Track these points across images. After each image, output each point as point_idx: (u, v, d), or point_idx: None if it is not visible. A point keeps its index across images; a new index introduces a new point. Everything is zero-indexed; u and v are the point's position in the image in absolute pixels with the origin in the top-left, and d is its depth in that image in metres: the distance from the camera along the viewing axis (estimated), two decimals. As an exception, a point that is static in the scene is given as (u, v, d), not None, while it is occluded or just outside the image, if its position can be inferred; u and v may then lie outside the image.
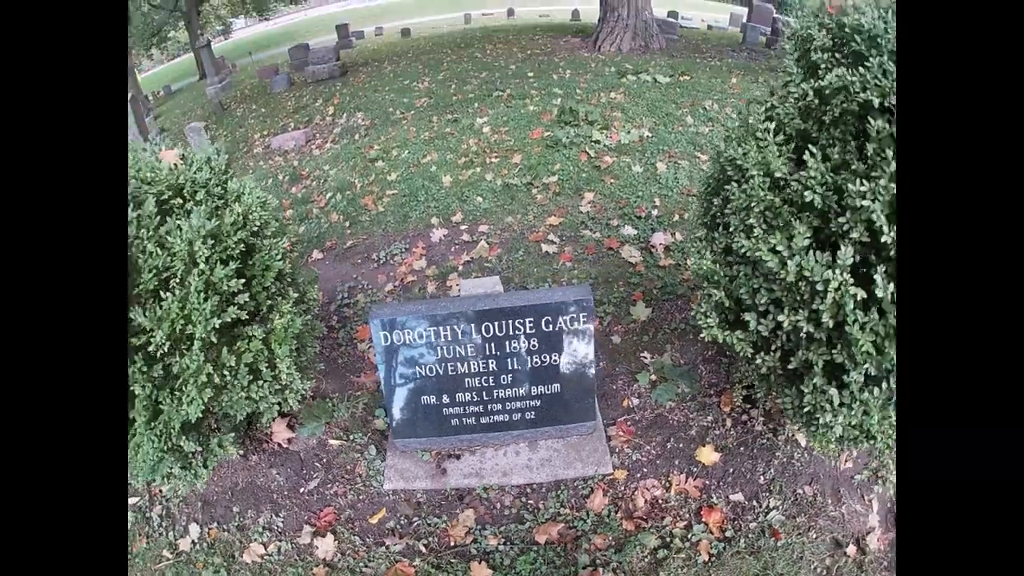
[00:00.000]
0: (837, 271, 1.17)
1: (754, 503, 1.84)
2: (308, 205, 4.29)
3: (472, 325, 1.83)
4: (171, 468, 1.53)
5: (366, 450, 2.11)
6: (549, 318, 1.81)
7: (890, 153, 1.20)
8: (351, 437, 2.15)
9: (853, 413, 1.24)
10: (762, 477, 1.89)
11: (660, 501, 1.84)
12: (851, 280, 1.18)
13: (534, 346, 1.85)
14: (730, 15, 18.26)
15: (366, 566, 1.77)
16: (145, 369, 1.35)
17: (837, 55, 1.49)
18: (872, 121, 1.24)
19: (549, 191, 3.67)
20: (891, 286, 1.16)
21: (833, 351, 1.27)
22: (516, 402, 1.93)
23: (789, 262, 1.20)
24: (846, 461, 1.94)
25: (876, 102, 1.26)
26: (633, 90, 5.64)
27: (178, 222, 1.43)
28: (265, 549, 1.89)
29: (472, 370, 1.89)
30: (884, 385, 1.23)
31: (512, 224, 3.41)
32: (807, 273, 1.20)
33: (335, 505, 1.95)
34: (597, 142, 4.18)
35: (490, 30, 13.52)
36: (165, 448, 1.42)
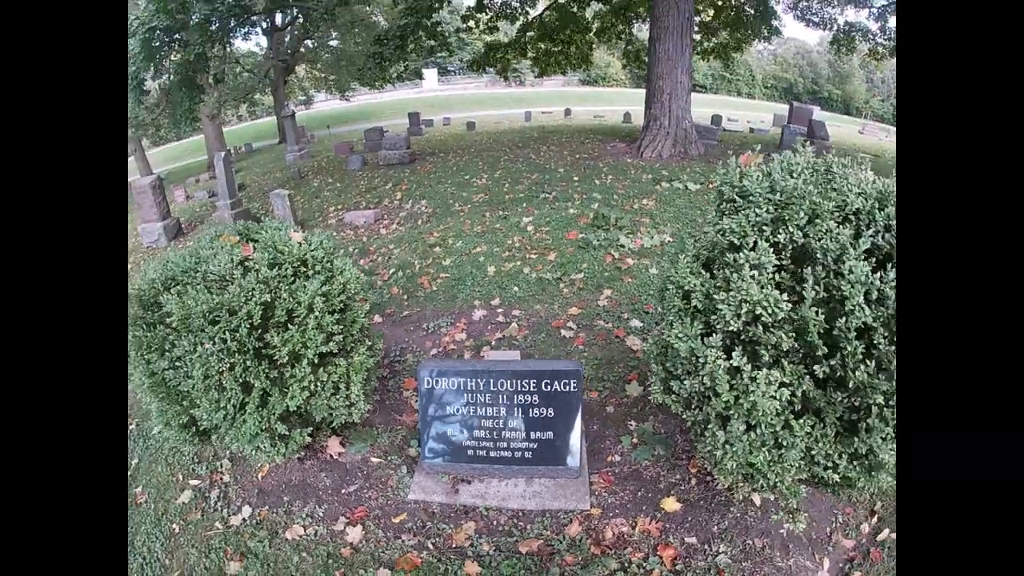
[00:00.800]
0: (711, 350, 1.70)
1: (706, 547, 2.24)
2: (373, 277, 5.12)
3: (491, 380, 2.45)
4: (262, 443, 2.18)
5: (399, 469, 2.69)
6: (547, 381, 2.42)
7: (738, 276, 1.72)
8: (388, 458, 2.76)
9: (736, 451, 1.73)
10: (716, 527, 2.31)
11: (625, 535, 2.30)
12: (723, 355, 1.71)
13: (534, 401, 2.44)
14: (773, 116, 19.39)
15: (383, 552, 2.30)
16: (267, 371, 2.05)
17: (735, 204, 2.08)
18: (737, 254, 1.79)
19: (574, 286, 4.36)
20: (744, 358, 1.63)
21: (718, 405, 1.78)
22: (518, 443, 2.49)
23: (683, 344, 1.77)
24: (800, 522, 2.35)
25: (750, 241, 1.81)
26: (664, 197, 6.42)
27: (304, 283, 2.19)
28: (304, 531, 2.46)
29: (487, 414, 2.49)
30: (757, 432, 1.69)
31: (540, 311, 4.09)
32: (697, 352, 1.75)
33: (367, 505, 2.52)
34: (623, 246, 4.89)
35: (546, 130, 14.96)
36: (263, 428, 2.08)
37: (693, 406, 1.93)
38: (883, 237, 1.58)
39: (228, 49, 15.65)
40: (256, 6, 12.21)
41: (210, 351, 2.00)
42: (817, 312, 1.52)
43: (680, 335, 1.76)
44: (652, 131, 9.55)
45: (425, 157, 11.68)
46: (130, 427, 3.77)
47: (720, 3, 13.79)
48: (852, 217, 1.52)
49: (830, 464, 1.58)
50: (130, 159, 28.14)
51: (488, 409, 2.48)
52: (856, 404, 1.51)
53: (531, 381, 2.42)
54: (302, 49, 23.40)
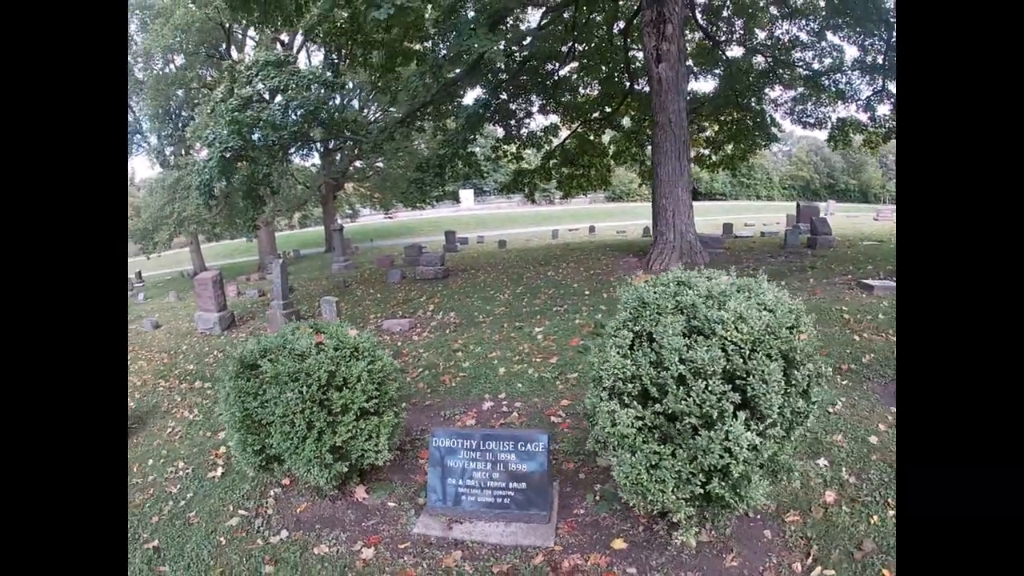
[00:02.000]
0: (599, 400, 2.49)
1: (647, 574, 2.92)
2: (404, 374, 6.12)
3: (481, 442, 3.31)
4: (313, 467, 3.05)
5: (408, 512, 3.48)
6: (522, 443, 3.26)
7: (607, 352, 2.60)
8: (402, 503, 3.56)
9: (627, 473, 2.44)
10: (654, 561, 2.94)
11: (579, 566, 2.97)
12: (606, 401, 2.50)
13: (512, 458, 3.27)
14: (786, 216, 20.57)
15: (388, 567, 3.05)
16: (325, 417, 2.98)
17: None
18: (609, 339, 2.63)
19: (568, 383, 5.24)
20: (614, 402, 2.39)
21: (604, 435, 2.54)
22: (500, 492, 3.27)
23: (589, 401, 2.60)
24: (733, 562, 2.96)
25: (620, 331, 2.65)
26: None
27: (356, 362, 3.20)
28: (328, 549, 3.25)
29: (478, 468, 3.31)
30: (637, 456, 2.42)
31: (537, 403, 4.97)
32: (595, 405, 2.56)
33: (380, 535, 3.30)
34: (614, 350, 5.79)
35: (570, 247, 16.41)
36: (316, 456, 2.97)
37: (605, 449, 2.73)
38: (703, 320, 2.37)
39: (286, 165, 18.14)
40: (315, 134, 14.50)
41: (289, 399, 2.98)
42: (647, 366, 2.32)
43: (591, 396, 2.63)
44: (659, 246, 10.73)
45: (458, 273, 13.10)
46: (186, 469, 4.72)
47: (722, 118, 15.58)
48: (684, 311, 2.35)
49: (697, 482, 2.31)
50: (186, 250, 31.09)
51: (478, 464, 3.31)
52: (696, 431, 2.23)
53: (510, 443, 3.27)
54: (351, 169, 26.37)
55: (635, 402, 2.34)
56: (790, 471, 2.39)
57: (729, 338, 2.13)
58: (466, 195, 51.76)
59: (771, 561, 2.91)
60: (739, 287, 2.47)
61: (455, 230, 23.83)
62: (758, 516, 3.24)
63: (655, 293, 2.46)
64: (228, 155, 10.38)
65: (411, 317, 9.07)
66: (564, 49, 15.09)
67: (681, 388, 2.18)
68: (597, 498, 3.47)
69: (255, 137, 11.06)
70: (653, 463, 2.32)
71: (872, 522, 3.08)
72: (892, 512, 3.13)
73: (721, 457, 2.14)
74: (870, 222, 25.79)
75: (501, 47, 9.48)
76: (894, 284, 7.84)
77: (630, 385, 2.34)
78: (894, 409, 4.24)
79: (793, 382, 2.19)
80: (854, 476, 3.51)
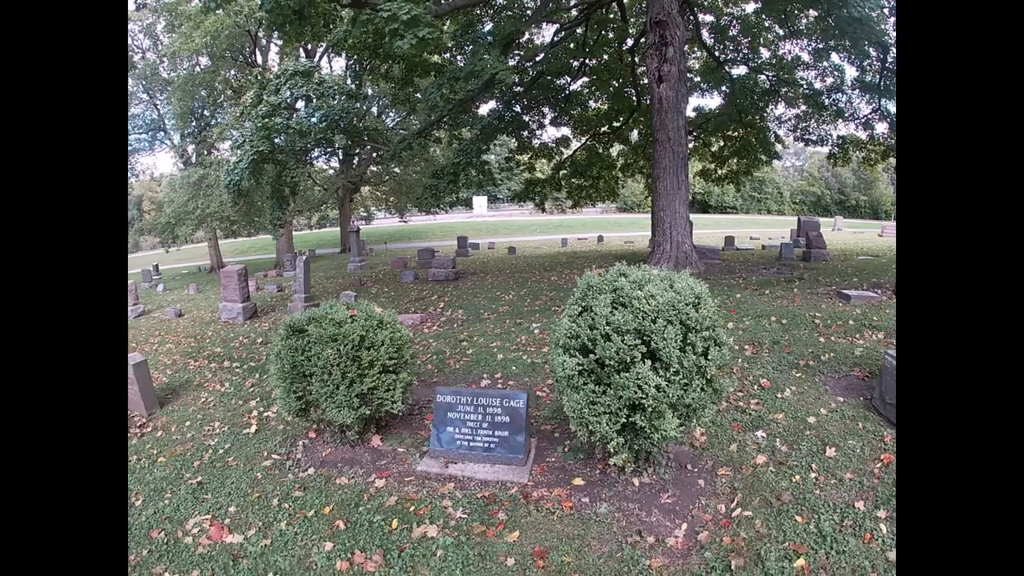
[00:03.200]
0: (556, 356, 3.39)
1: (593, 503, 3.75)
2: (415, 358, 7.09)
3: (474, 398, 4.23)
4: (343, 409, 4.01)
5: (414, 455, 4.41)
6: (506, 400, 4.18)
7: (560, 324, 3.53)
8: (409, 450, 4.49)
9: (572, 408, 3.33)
10: (604, 494, 3.81)
11: (544, 495, 3.84)
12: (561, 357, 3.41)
13: (498, 412, 4.18)
14: (790, 231, 21.37)
15: (395, 491, 3.97)
16: (356, 370, 3.94)
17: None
18: (577, 319, 3.56)
19: (555, 366, 6.17)
20: (564, 355, 3.34)
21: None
22: (487, 438, 4.19)
23: (557, 361, 3.49)
24: (668, 499, 3.80)
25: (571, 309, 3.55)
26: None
27: (380, 330, 4.15)
28: (348, 480, 4.17)
29: (470, 420, 4.23)
30: (580, 395, 3.32)
31: (527, 382, 5.87)
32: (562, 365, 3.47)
33: (391, 471, 4.23)
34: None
35: (577, 255, 17.30)
36: (347, 401, 3.93)
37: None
38: (626, 296, 3.20)
39: (308, 168, 19.29)
40: (337, 141, 15.58)
41: (329, 355, 3.95)
42: (585, 327, 3.18)
43: (551, 352, 3.53)
44: (656, 255, 11.56)
45: (467, 276, 14.06)
46: (222, 428, 5.66)
47: (727, 133, 16.41)
48: (615, 291, 3.24)
49: (622, 415, 3.18)
50: (202, 246, 32.46)
51: (471, 417, 4.23)
52: (617, 372, 3.09)
53: (497, 400, 4.19)
54: (368, 173, 27.55)
55: (577, 353, 3.25)
56: (697, 411, 3.27)
57: (641, 308, 3.02)
58: (479, 202, 53.00)
59: (700, 502, 3.75)
60: (663, 278, 3.36)
61: (467, 235, 24.88)
62: (695, 469, 4.09)
63: (598, 280, 3.38)
64: (257, 158, 11.44)
65: (422, 313, 10.03)
66: (575, 64, 16.07)
67: (606, 342, 3.08)
68: (565, 449, 4.37)
69: (282, 142, 12.11)
70: (591, 400, 3.22)
71: (794, 480, 3.85)
72: (814, 474, 3.90)
73: (635, 392, 3.02)
74: (874, 238, 26.45)
75: (513, 73, 10.40)
76: (871, 295, 8.59)
77: (574, 341, 3.25)
78: (840, 399, 4.98)
79: (690, 342, 3.08)
80: (786, 446, 4.30)
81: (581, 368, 3.24)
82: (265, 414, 5.89)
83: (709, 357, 3.12)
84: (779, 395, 5.14)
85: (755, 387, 5.36)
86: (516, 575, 3.20)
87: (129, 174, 28.20)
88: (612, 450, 3.40)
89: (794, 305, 8.36)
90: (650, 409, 3.08)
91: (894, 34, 11.49)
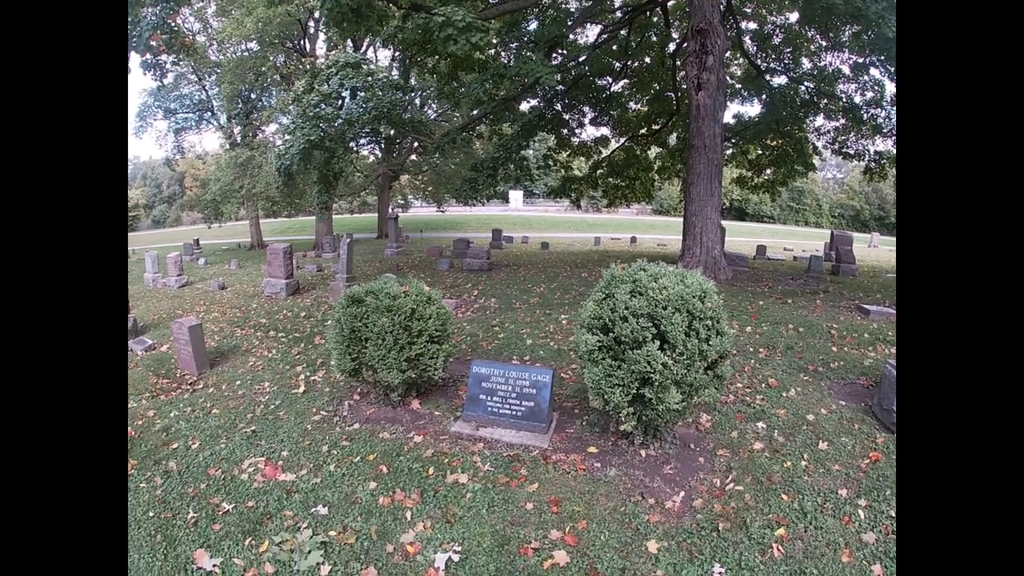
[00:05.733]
0: (582, 335, 4.02)
1: (604, 468, 4.35)
2: (451, 340, 7.78)
3: (506, 371, 4.88)
4: (393, 371, 4.71)
5: (449, 419, 5.09)
6: (533, 375, 4.81)
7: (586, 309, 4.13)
8: (445, 414, 5.18)
9: (592, 377, 3.95)
10: (615, 460, 4.41)
11: (561, 459, 4.47)
12: (585, 335, 4.02)
13: (526, 385, 4.81)
14: (823, 244, 21.46)
15: (431, 447, 4.65)
16: (406, 337, 4.64)
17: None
18: (600, 304, 4.17)
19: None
20: (588, 334, 3.95)
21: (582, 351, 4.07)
22: (515, 407, 4.83)
23: (579, 338, 4.08)
24: (670, 470, 4.38)
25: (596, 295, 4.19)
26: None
27: (429, 305, 4.88)
28: (390, 435, 4.87)
29: (501, 390, 4.87)
30: (599, 367, 3.93)
31: (553, 364, 6.49)
32: (585, 341, 4.08)
33: (427, 430, 4.91)
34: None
35: (609, 254, 17.79)
36: (397, 364, 4.63)
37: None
38: (642, 286, 3.78)
39: (353, 156, 20.18)
40: (383, 131, 16.36)
41: (384, 323, 4.66)
42: (607, 310, 3.79)
43: (577, 332, 4.15)
44: (686, 258, 11.98)
45: (501, 267, 14.72)
46: (272, 388, 6.38)
47: (766, 141, 16.65)
48: (634, 282, 3.85)
49: (633, 387, 3.77)
50: (241, 224, 33.87)
51: (501, 387, 4.87)
52: (631, 349, 3.68)
53: (526, 374, 4.83)
54: (408, 162, 28.40)
55: (598, 332, 3.87)
56: (698, 390, 3.84)
57: (654, 297, 3.62)
58: (515, 196, 53.65)
59: (698, 476, 4.29)
60: (676, 274, 3.94)
61: (502, 228, 25.55)
62: (697, 448, 4.64)
63: (620, 272, 4.00)
64: (308, 145, 12.26)
65: (457, 299, 10.74)
66: (617, 66, 16.53)
67: (623, 322, 3.69)
68: (583, 423, 4.99)
69: (332, 130, 12.91)
70: (608, 372, 3.82)
71: (786, 465, 4.34)
72: (804, 463, 4.38)
73: (645, 367, 3.62)
74: (910, 256, 26.15)
75: (556, 74, 10.90)
76: (891, 311, 8.89)
77: (596, 322, 3.87)
78: (842, 403, 5.40)
79: (694, 328, 3.66)
80: (783, 437, 4.78)
81: (601, 344, 3.85)
82: (312, 378, 6.61)
83: (710, 343, 3.69)
84: (784, 394, 5.60)
85: (763, 385, 5.85)
86: (534, 516, 3.84)
87: (174, 151, 29.56)
88: (623, 418, 4.00)
89: (814, 315, 8.73)
90: (657, 383, 3.67)
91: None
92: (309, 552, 3.54)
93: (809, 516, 3.72)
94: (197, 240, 28.33)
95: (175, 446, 5.07)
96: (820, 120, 16.45)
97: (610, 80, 17.07)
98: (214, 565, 3.51)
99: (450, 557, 3.49)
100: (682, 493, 4.04)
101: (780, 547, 3.46)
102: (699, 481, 4.19)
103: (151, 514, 4.05)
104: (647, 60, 16.91)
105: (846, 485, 4.03)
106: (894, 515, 3.66)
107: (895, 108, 14.21)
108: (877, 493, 3.90)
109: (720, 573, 3.28)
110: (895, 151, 15.12)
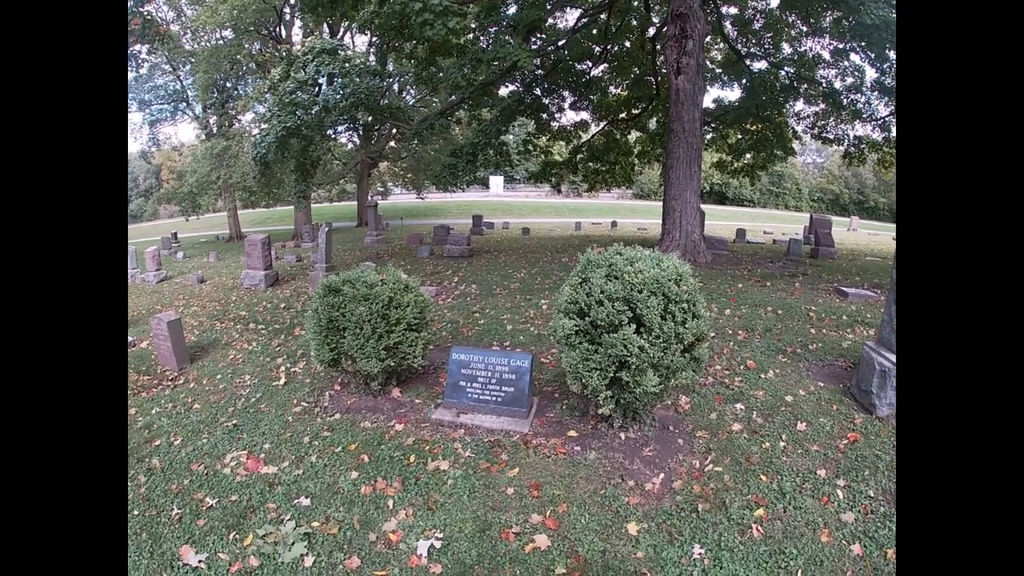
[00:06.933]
0: (560, 320, 4.03)
1: (584, 451, 4.38)
2: (431, 325, 7.75)
3: (485, 357, 4.87)
4: (371, 359, 4.68)
5: (430, 406, 5.08)
6: (512, 360, 4.81)
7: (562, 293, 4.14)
8: (425, 401, 5.17)
9: (569, 361, 3.97)
10: (594, 444, 4.45)
11: (542, 444, 4.50)
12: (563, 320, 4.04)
13: (506, 370, 4.82)
14: (803, 228, 21.78)
15: (411, 435, 4.64)
16: (384, 326, 4.61)
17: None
18: (577, 288, 4.19)
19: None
20: (565, 318, 3.98)
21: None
22: (496, 393, 4.84)
23: (558, 323, 4.11)
24: (649, 452, 4.43)
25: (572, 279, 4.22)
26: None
27: (407, 293, 4.84)
28: (371, 424, 4.85)
29: (482, 376, 4.87)
30: (576, 352, 3.95)
31: (533, 349, 6.51)
32: (558, 323, 4.10)
33: (408, 418, 4.91)
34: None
35: (589, 238, 17.85)
36: (375, 352, 4.61)
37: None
38: (618, 270, 3.80)
39: (330, 143, 19.92)
40: (361, 118, 16.15)
41: (361, 312, 4.63)
42: (583, 294, 3.80)
43: (555, 317, 4.16)
44: (665, 242, 12.05)
45: (481, 254, 14.68)
46: (252, 380, 6.33)
47: (745, 125, 16.75)
48: (610, 266, 3.87)
49: (610, 371, 3.80)
50: (219, 216, 33.32)
51: (481, 373, 4.87)
52: (607, 332, 3.69)
53: (505, 359, 4.83)
54: (387, 149, 28.11)
55: (575, 316, 3.89)
56: (676, 372, 3.88)
57: (630, 280, 3.63)
58: (496, 181, 53.46)
59: (678, 457, 4.32)
60: (652, 257, 3.95)
61: (482, 214, 25.49)
62: (676, 430, 4.70)
63: (596, 256, 4.01)
64: (285, 133, 12.07)
65: (437, 286, 10.70)
66: (597, 50, 16.45)
67: (599, 306, 3.71)
68: (563, 407, 5.01)
69: (309, 117, 12.71)
70: (585, 357, 3.85)
71: (764, 446, 4.39)
72: (783, 443, 4.45)
73: (622, 351, 3.64)
74: (887, 241, 26.73)
75: (535, 58, 10.81)
76: (869, 293, 9.01)
77: (573, 306, 3.88)
78: (820, 384, 5.46)
79: (670, 311, 3.69)
80: (762, 418, 4.83)
81: (578, 328, 3.87)
82: (292, 369, 6.57)
83: (686, 326, 3.72)
84: (763, 375, 5.67)
85: (741, 367, 5.92)
86: (515, 501, 3.86)
87: (150, 143, 28.96)
88: (601, 402, 4.03)
89: (792, 298, 8.85)
90: (634, 367, 3.69)
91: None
92: (293, 544, 3.54)
93: (788, 496, 3.78)
94: (175, 234, 27.85)
95: (157, 443, 5.02)
96: (800, 105, 16.56)
97: (590, 64, 17.00)
98: (199, 561, 3.49)
99: (432, 544, 3.50)
100: (662, 475, 4.09)
101: (759, 527, 3.51)
102: (678, 463, 4.24)
103: (135, 512, 4.02)
104: (627, 44, 16.85)
105: (825, 466, 4.09)
106: (873, 495, 3.73)
107: (879, 96, 14.37)
108: (856, 473, 3.96)
109: (700, 554, 3.33)
110: (875, 136, 15.31)
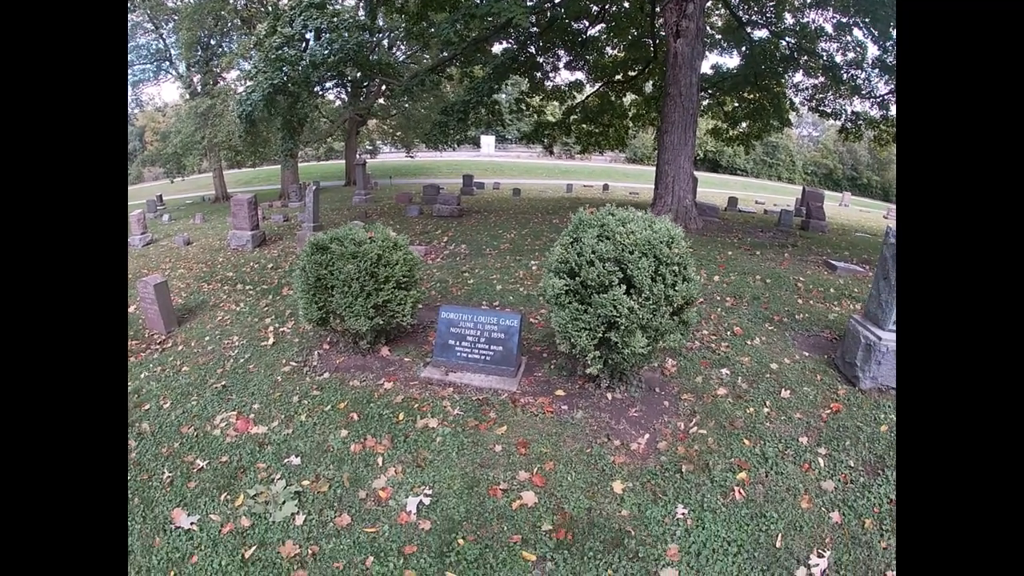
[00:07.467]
0: (550, 279, 4.06)
1: (571, 410, 4.43)
2: (420, 284, 7.74)
3: (474, 316, 4.87)
4: (360, 318, 4.69)
5: (418, 364, 5.10)
6: (501, 320, 4.82)
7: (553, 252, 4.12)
8: (414, 360, 5.19)
9: (558, 320, 4.01)
10: (581, 403, 4.49)
11: (530, 402, 4.54)
12: (562, 286, 4.05)
13: (495, 329, 4.83)
14: (795, 200, 21.86)
15: (401, 393, 4.67)
16: (372, 284, 4.59)
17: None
18: (568, 248, 4.17)
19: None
20: (555, 277, 3.98)
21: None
22: (483, 352, 4.85)
23: (547, 282, 4.10)
24: (635, 413, 4.49)
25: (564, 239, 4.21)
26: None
27: (395, 251, 4.80)
28: (360, 383, 4.87)
29: (471, 335, 4.88)
30: (566, 311, 3.97)
31: (522, 309, 6.52)
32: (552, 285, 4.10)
33: (397, 376, 4.93)
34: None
35: (580, 201, 17.75)
36: (364, 311, 4.61)
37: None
38: (610, 231, 3.79)
39: (317, 99, 19.42)
40: (350, 74, 15.71)
41: (350, 270, 4.58)
42: (573, 254, 3.79)
43: (544, 277, 4.15)
44: (657, 207, 11.99)
45: (471, 214, 14.56)
46: (241, 341, 6.30)
47: (743, 94, 16.55)
48: (602, 227, 3.85)
49: (599, 331, 3.83)
50: (205, 176, 32.70)
51: (470, 332, 4.88)
52: (596, 293, 3.70)
53: (494, 318, 4.84)
54: (375, 106, 27.51)
55: (565, 276, 3.89)
56: (664, 334, 3.91)
57: (621, 241, 3.62)
58: (487, 141, 52.68)
59: (663, 419, 4.39)
60: (645, 219, 3.93)
61: (473, 174, 25.18)
62: (662, 392, 4.76)
63: (588, 216, 3.98)
64: (271, 90, 11.72)
65: (427, 246, 10.63)
66: (595, 9, 16.02)
67: (590, 267, 3.70)
68: (551, 367, 5.06)
69: (296, 73, 12.34)
70: (575, 316, 3.86)
71: (748, 411, 4.47)
72: (767, 409, 4.50)
73: (611, 311, 3.66)
74: (879, 219, 26.87)
75: (530, 15, 10.49)
76: (858, 268, 9.03)
77: (564, 266, 3.87)
78: (805, 353, 5.52)
79: (661, 273, 3.69)
80: (746, 384, 4.90)
81: (568, 288, 3.87)
82: (281, 329, 6.55)
83: (676, 289, 3.73)
84: (749, 342, 5.74)
85: (728, 333, 5.98)
86: (502, 458, 3.92)
87: (133, 105, 28.19)
88: (589, 362, 4.07)
89: (781, 268, 8.89)
90: (623, 327, 3.71)
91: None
92: (283, 503, 3.59)
93: (770, 462, 3.86)
94: (160, 196, 27.30)
95: (147, 407, 5.02)
96: (799, 76, 16.28)
97: (586, 24, 16.55)
98: (191, 523, 3.54)
99: (421, 501, 3.56)
100: (647, 435, 4.17)
101: (741, 490, 3.59)
102: (664, 424, 4.32)
103: (127, 478, 4.02)
104: (625, 4, 16.38)
105: (807, 433, 4.17)
106: (853, 465, 3.81)
107: (879, 73, 14.13)
108: (837, 443, 4.04)
109: (683, 514, 3.42)
110: (873, 113, 15.14)
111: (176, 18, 23.28)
